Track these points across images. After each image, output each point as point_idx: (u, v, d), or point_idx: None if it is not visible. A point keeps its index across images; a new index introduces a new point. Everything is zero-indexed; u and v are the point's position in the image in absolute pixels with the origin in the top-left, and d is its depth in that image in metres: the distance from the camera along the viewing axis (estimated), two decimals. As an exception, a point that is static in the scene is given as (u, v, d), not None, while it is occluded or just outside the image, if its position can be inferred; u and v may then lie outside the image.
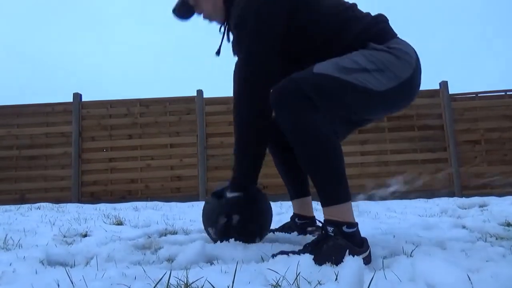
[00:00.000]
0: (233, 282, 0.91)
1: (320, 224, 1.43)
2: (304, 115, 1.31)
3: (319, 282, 0.97)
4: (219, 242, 1.51)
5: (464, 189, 6.24)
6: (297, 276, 0.98)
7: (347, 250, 1.19)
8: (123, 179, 6.49)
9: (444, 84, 6.59)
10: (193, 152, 6.51)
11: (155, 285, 0.91)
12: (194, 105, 6.64)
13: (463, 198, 4.82)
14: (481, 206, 3.59)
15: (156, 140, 6.59)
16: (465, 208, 3.46)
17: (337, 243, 1.22)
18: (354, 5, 1.55)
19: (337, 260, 1.14)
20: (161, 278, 0.95)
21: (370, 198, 5.85)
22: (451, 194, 6.14)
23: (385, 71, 1.36)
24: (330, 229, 1.26)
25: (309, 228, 1.84)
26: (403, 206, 3.89)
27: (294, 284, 0.96)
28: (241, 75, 1.51)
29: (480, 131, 6.46)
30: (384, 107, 1.49)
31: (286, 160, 1.84)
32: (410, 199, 5.35)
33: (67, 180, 6.46)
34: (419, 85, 1.50)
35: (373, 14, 1.53)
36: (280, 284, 0.96)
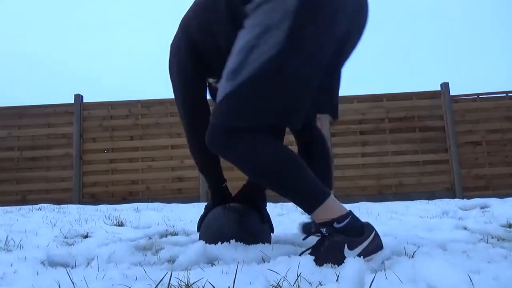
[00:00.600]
0: (233, 283, 0.91)
1: None
2: (242, 149, 1.26)
3: (320, 283, 0.97)
4: (219, 243, 1.51)
5: (465, 191, 6.23)
6: (298, 277, 0.98)
7: (345, 245, 1.18)
8: (124, 180, 6.50)
9: (445, 86, 6.59)
10: (194, 154, 6.50)
11: (156, 286, 0.91)
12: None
13: (464, 200, 4.82)
14: (482, 207, 3.58)
15: (157, 141, 6.59)
16: (467, 210, 3.45)
17: (333, 241, 1.21)
18: None
19: (336, 258, 1.14)
20: (162, 279, 0.95)
21: (371, 199, 5.85)
22: (452, 196, 6.13)
23: (270, 28, 1.17)
24: (323, 230, 1.25)
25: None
26: (404, 208, 3.88)
27: (295, 285, 0.96)
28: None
29: (481, 132, 6.45)
30: (308, 47, 1.20)
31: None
32: (411, 200, 5.35)
33: (68, 181, 6.47)
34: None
35: None
36: (281, 285, 0.96)
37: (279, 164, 1.27)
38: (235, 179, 2.06)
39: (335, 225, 1.24)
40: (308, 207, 1.29)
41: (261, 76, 1.19)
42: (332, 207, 1.27)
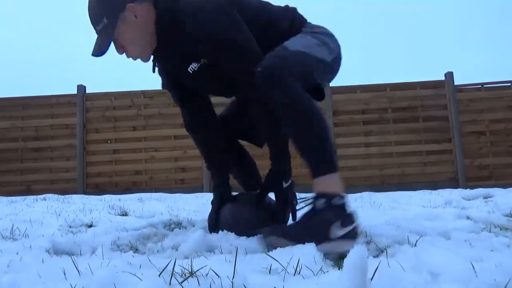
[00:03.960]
0: (234, 269, 0.92)
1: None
2: (298, 89, 1.36)
3: (322, 270, 0.98)
4: (220, 231, 1.52)
5: (469, 181, 6.22)
6: (297, 264, 0.98)
7: (333, 224, 1.23)
8: (128, 171, 6.53)
9: (449, 75, 6.54)
10: (197, 144, 6.51)
11: (160, 273, 0.91)
12: (198, 97, 6.62)
13: (468, 189, 4.81)
14: (485, 197, 3.58)
15: (160, 131, 6.60)
16: (470, 199, 3.45)
17: (323, 217, 1.25)
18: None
19: (319, 235, 1.20)
20: (166, 266, 0.95)
21: (374, 189, 5.85)
22: (455, 186, 6.13)
23: (326, 45, 1.55)
24: (321, 201, 1.28)
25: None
26: (407, 197, 3.88)
27: (296, 272, 0.97)
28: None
29: (485, 122, 6.42)
30: (328, 75, 1.65)
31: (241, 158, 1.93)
32: (415, 190, 5.35)
33: (72, 171, 6.50)
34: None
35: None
36: (283, 272, 0.96)
37: (321, 116, 1.38)
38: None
39: (335, 200, 1.27)
40: (322, 170, 1.33)
41: (319, 61, 1.52)
42: (339, 182, 1.34)
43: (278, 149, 1.57)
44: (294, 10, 1.68)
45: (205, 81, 1.59)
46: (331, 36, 1.63)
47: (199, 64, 1.51)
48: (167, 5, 1.45)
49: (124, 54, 1.50)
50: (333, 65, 1.61)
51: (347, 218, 1.27)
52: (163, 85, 1.76)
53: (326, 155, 1.35)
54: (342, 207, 1.28)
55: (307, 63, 1.47)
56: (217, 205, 1.66)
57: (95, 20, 1.44)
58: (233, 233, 1.45)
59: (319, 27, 1.65)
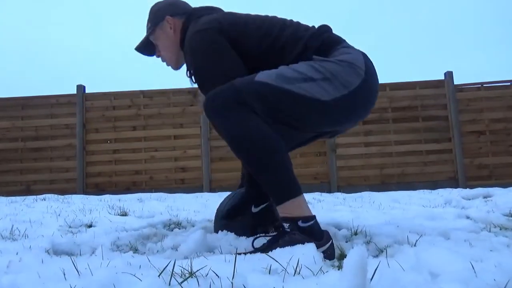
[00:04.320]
0: (234, 269, 0.92)
1: None
2: (241, 120, 1.29)
3: (321, 271, 0.98)
4: (220, 231, 1.52)
5: (469, 180, 6.22)
6: (297, 264, 0.98)
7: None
8: (128, 171, 6.52)
9: (449, 75, 6.54)
10: (197, 144, 6.53)
11: (160, 274, 0.91)
12: (198, 97, 6.63)
13: (467, 189, 4.82)
14: (485, 197, 3.58)
15: (160, 131, 6.60)
16: (469, 199, 3.45)
17: (293, 238, 1.21)
18: (292, 23, 1.51)
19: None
20: (165, 267, 0.95)
21: (374, 188, 5.86)
22: (455, 185, 6.13)
23: (332, 80, 1.33)
24: (286, 225, 1.26)
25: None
26: (407, 197, 3.89)
27: (296, 272, 0.96)
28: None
29: (485, 121, 6.42)
30: (337, 117, 1.41)
31: None
32: (414, 189, 5.35)
33: (72, 171, 6.50)
34: (376, 91, 1.46)
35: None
36: (282, 272, 0.96)
37: (264, 144, 1.29)
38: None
39: (300, 223, 1.25)
40: (279, 197, 1.29)
41: (298, 99, 1.32)
42: (301, 205, 1.29)
43: (250, 174, 1.56)
44: (320, 31, 1.47)
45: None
46: (351, 68, 1.36)
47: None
48: (187, 24, 1.57)
49: (160, 58, 1.72)
50: (341, 105, 1.35)
51: (318, 239, 1.23)
52: None
53: (280, 184, 1.29)
54: (310, 229, 1.25)
55: (273, 99, 1.31)
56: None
57: (146, 23, 1.70)
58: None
59: (346, 53, 1.40)
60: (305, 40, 1.42)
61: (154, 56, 1.75)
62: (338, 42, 1.46)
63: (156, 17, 1.66)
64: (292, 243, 1.17)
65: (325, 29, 1.49)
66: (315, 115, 1.36)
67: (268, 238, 1.29)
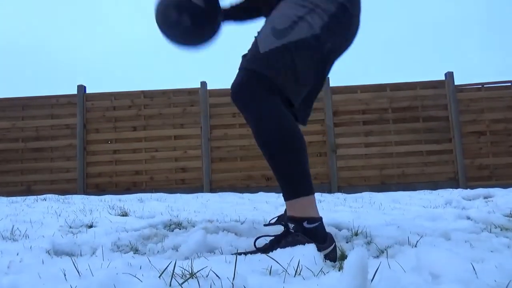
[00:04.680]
0: (234, 269, 0.92)
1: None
2: (268, 108, 1.31)
3: (322, 271, 0.98)
4: (221, 231, 1.51)
5: (469, 181, 6.22)
6: (298, 265, 0.98)
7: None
8: (128, 171, 6.53)
9: (449, 75, 6.54)
10: (197, 144, 6.53)
11: (161, 275, 0.91)
12: (198, 97, 6.63)
13: (468, 190, 4.81)
14: (485, 197, 3.58)
15: (160, 132, 6.61)
16: (470, 199, 3.45)
17: (295, 239, 1.21)
18: None
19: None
20: (166, 268, 0.95)
21: (374, 189, 5.85)
22: (455, 186, 6.13)
23: (315, 9, 1.35)
24: (291, 226, 1.25)
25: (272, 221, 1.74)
26: (407, 198, 3.89)
27: (297, 273, 0.96)
28: None
29: (485, 122, 6.42)
30: (320, 49, 1.40)
31: None
32: (415, 190, 5.35)
33: (73, 172, 6.50)
34: (357, 16, 1.46)
35: None
36: (283, 273, 0.96)
37: (296, 136, 1.31)
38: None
39: (305, 224, 1.24)
40: (291, 192, 1.30)
41: (300, 46, 1.32)
42: (309, 206, 1.29)
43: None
44: None
45: None
46: None
47: None
48: None
49: None
50: (327, 32, 1.36)
51: (321, 241, 1.23)
52: None
53: (293, 180, 1.30)
54: (314, 231, 1.25)
55: (284, 59, 1.32)
56: None
57: None
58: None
59: None
60: None
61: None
62: None
63: None
64: (294, 244, 1.17)
65: None
66: (308, 56, 1.36)
67: (270, 238, 1.29)
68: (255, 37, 1.43)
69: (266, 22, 1.43)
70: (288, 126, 1.32)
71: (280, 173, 1.32)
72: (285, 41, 1.32)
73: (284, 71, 1.33)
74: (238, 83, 1.36)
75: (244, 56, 1.45)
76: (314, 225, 1.26)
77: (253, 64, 1.34)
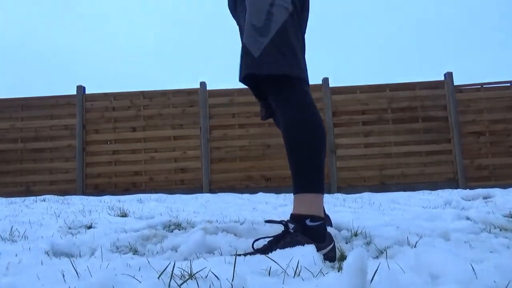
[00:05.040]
0: (234, 270, 0.91)
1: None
2: (308, 101, 1.36)
3: (321, 272, 0.98)
4: (220, 232, 1.51)
5: (468, 181, 6.22)
6: (297, 265, 0.98)
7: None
8: (127, 172, 6.52)
9: (449, 75, 6.54)
10: (196, 144, 6.53)
11: (160, 275, 0.91)
12: (197, 97, 6.63)
13: (467, 190, 4.82)
14: (485, 197, 3.58)
15: (160, 132, 6.60)
16: (469, 200, 3.45)
17: (294, 239, 1.21)
18: None
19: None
20: (165, 269, 0.95)
21: (374, 189, 5.85)
22: (455, 186, 6.13)
23: None
24: (291, 226, 1.25)
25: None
26: (407, 198, 3.89)
27: (296, 274, 0.96)
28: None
29: (484, 122, 6.42)
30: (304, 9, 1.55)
31: None
32: (414, 190, 5.35)
33: (72, 172, 6.50)
34: None
35: None
36: (282, 274, 0.96)
37: (323, 132, 1.35)
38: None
39: (308, 222, 1.25)
40: (304, 186, 1.30)
41: (286, 27, 1.38)
42: (317, 203, 1.29)
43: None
44: None
45: None
46: None
47: None
48: None
49: None
50: (295, 8, 1.44)
51: (320, 241, 1.23)
52: None
53: (310, 174, 1.31)
54: (314, 230, 1.25)
55: (278, 55, 1.37)
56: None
57: None
58: None
59: None
60: None
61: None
62: None
63: None
64: (293, 245, 1.17)
65: None
66: (296, 25, 1.43)
67: (268, 239, 1.29)
68: (241, 32, 1.47)
69: (245, 16, 1.44)
70: (321, 122, 1.37)
71: (300, 166, 1.33)
72: (272, 34, 1.36)
73: (283, 57, 1.36)
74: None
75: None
76: (316, 223, 1.26)
77: (262, 70, 1.36)
